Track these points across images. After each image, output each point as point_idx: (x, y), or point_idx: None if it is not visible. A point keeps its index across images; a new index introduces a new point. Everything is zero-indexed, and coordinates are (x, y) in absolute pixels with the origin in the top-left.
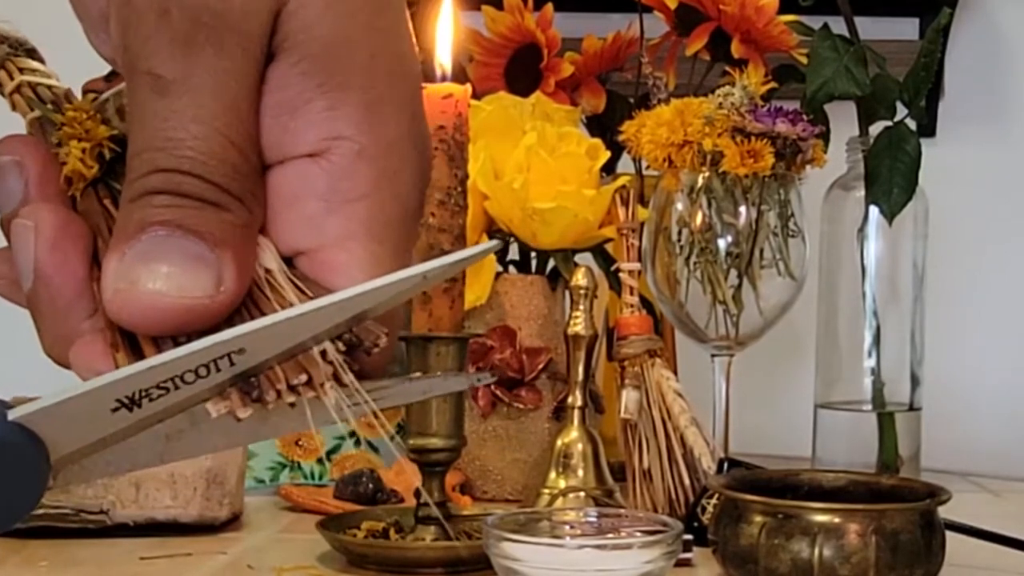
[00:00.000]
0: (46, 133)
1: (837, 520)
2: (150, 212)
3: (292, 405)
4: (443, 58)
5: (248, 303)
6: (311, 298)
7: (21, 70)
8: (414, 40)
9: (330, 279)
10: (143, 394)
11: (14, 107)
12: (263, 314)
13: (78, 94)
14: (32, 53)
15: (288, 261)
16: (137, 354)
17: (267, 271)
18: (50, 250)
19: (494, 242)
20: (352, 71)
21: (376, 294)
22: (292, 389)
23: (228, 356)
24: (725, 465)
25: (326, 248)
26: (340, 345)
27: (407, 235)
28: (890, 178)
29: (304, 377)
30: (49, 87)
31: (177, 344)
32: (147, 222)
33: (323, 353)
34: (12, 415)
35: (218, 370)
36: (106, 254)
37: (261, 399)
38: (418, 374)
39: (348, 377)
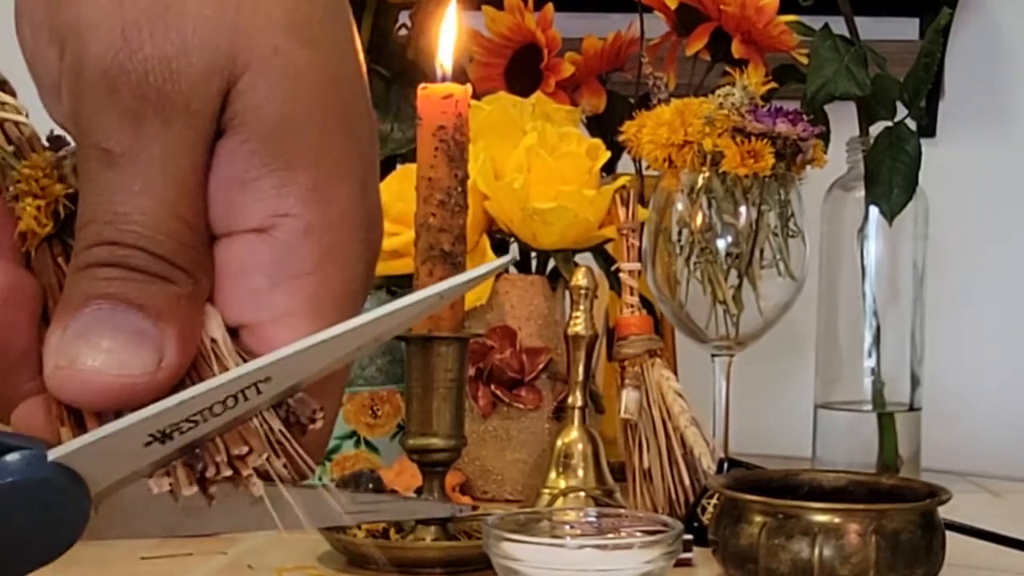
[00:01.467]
0: (5, 178)
1: (837, 520)
2: (94, 285)
3: (232, 478)
4: (444, 59)
5: (192, 373)
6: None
7: None
8: (372, 111)
9: None
10: (174, 427)
11: None
12: None
13: (45, 131)
14: (3, 86)
15: (233, 333)
16: (81, 427)
17: (212, 341)
18: None
19: (507, 257)
20: (300, 150)
21: (399, 315)
22: (231, 462)
23: (255, 385)
24: (725, 465)
25: (269, 323)
26: (277, 421)
27: (353, 308)
28: (890, 178)
29: (245, 449)
30: (16, 124)
31: (121, 417)
32: (91, 295)
33: (266, 429)
34: (52, 455)
35: (246, 399)
36: (50, 327)
37: (204, 473)
38: (414, 496)
39: (278, 463)
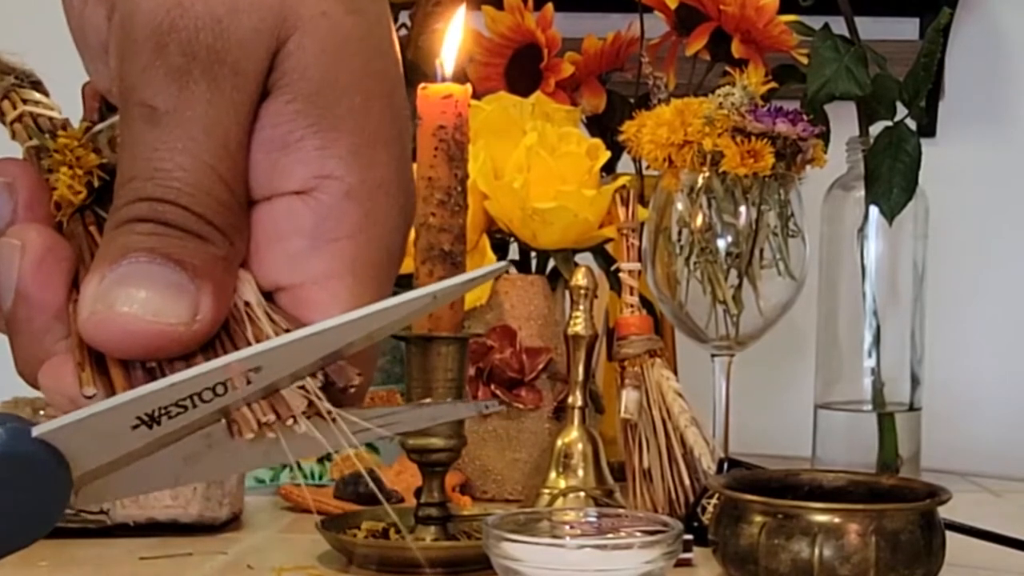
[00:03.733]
0: (40, 160)
1: (837, 520)
2: (133, 239)
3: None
4: (446, 60)
5: (223, 335)
6: (288, 332)
7: (24, 101)
8: (403, 83)
9: (310, 316)
10: (162, 411)
11: (14, 135)
12: (237, 347)
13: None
14: (37, 85)
15: (268, 296)
16: (104, 375)
17: (246, 304)
18: (34, 269)
19: (503, 263)
20: (344, 113)
21: (391, 312)
22: (260, 427)
23: (245, 374)
24: (725, 465)
25: (308, 285)
26: (317, 382)
27: (388, 276)
28: (890, 178)
29: (272, 417)
30: (49, 118)
31: (146, 370)
32: (129, 248)
33: (302, 388)
34: (36, 431)
35: (235, 388)
36: (86, 276)
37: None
38: (428, 400)
39: (325, 406)
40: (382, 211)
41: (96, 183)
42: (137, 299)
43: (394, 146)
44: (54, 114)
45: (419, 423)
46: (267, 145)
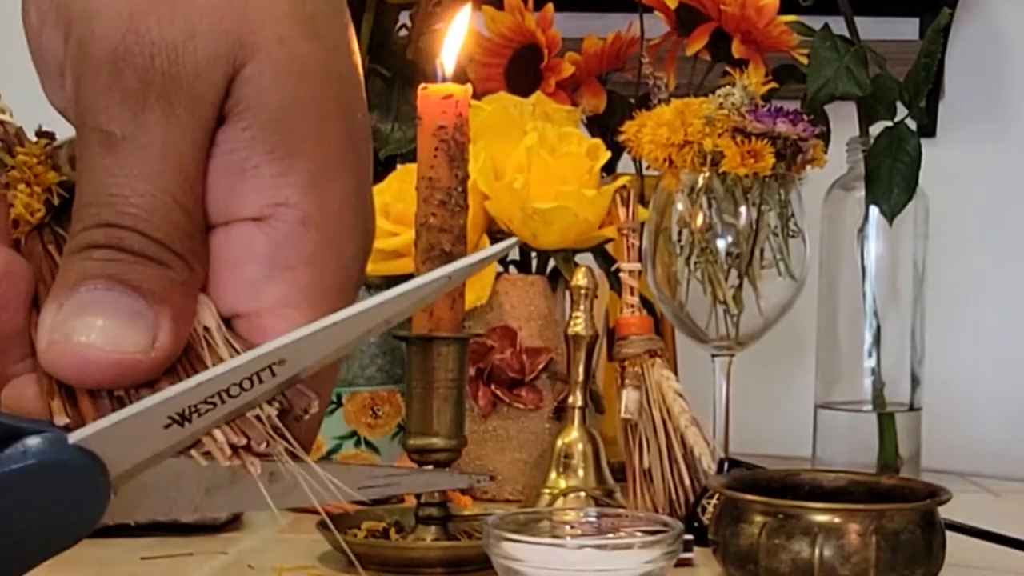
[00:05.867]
0: None
1: (837, 520)
2: (91, 265)
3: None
4: (446, 60)
5: (184, 360)
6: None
7: None
8: (366, 107)
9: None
10: (192, 409)
11: None
12: (197, 372)
13: (30, 133)
14: None
15: (226, 322)
16: (72, 402)
17: (205, 329)
18: None
19: (511, 240)
20: (302, 139)
21: (410, 297)
22: (235, 451)
23: (270, 368)
24: (725, 465)
25: (264, 313)
26: (272, 410)
27: (346, 301)
28: (890, 178)
29: (244, 440)
30: (1, 123)
31: (113, 396)
32: (87, 275)
33: (257, 416)
34: (72, 438)
35: (261, 382)
36: (44, 304)
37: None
38: (430, 467)
39: (278, 447)
40: (338, 238)
41: (55, 201)
42: (95, 328)
43: (352, 172)
44: (6, 118)
45: (415, 488)
46: (224, 171)
